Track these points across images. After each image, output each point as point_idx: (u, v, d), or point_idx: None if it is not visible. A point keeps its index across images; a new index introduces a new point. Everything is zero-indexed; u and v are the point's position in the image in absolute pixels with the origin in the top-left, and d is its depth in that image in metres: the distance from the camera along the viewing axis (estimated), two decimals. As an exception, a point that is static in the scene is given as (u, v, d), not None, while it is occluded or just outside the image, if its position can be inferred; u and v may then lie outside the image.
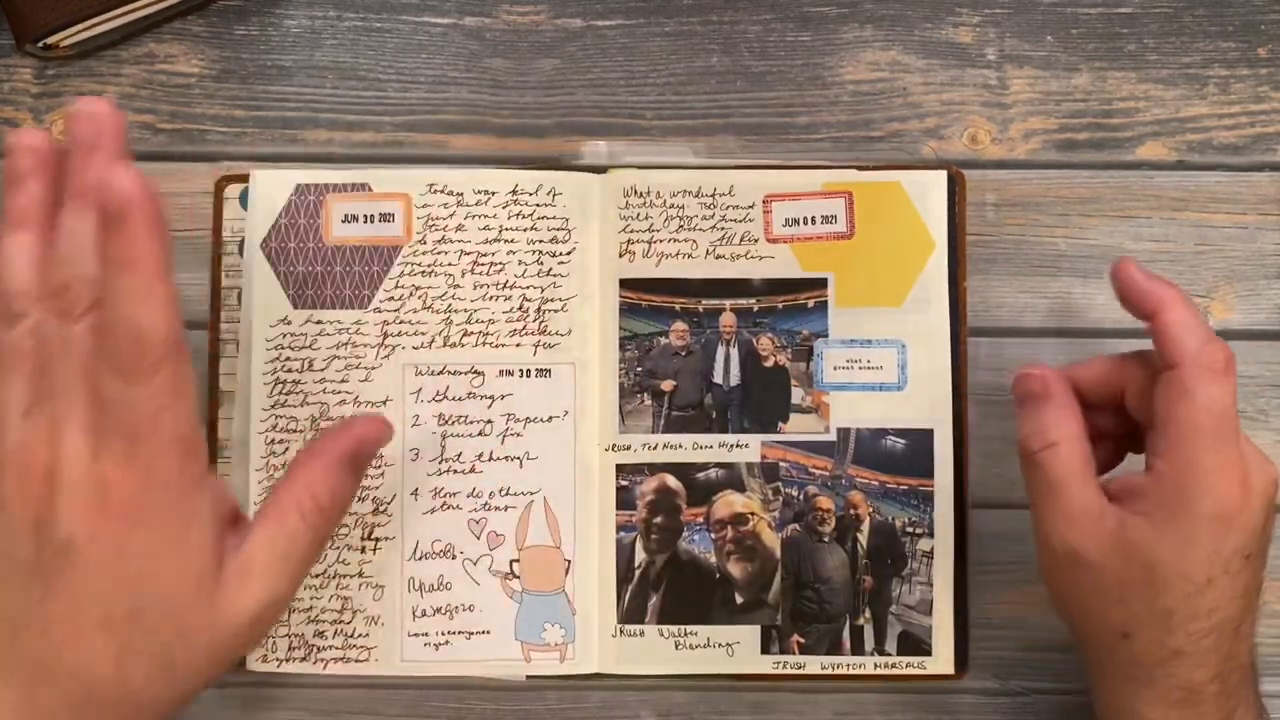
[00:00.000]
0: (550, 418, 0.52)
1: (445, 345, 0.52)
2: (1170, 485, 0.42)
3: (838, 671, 0.51)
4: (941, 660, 0.51)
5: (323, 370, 0.52)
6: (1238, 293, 0.54)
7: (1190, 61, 0.55)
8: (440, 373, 0.52)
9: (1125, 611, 0.42)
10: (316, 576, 0.52)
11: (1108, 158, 0.54)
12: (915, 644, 0.51)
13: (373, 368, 0.52)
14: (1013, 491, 0.53)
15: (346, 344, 0.52)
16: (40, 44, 0.53)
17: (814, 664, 0.51)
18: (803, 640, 0.51)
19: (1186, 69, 0.55)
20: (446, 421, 0.52)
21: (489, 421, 0.52)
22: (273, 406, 0.52)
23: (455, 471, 0.52)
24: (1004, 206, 0.54)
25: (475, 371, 0.52)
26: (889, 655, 0.51)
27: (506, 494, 0.52)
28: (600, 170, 0.53)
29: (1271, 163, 0.54)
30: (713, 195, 0.52)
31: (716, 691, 0.53)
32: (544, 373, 0.52)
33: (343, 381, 0.52)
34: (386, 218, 0.52)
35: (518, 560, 0.52)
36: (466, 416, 0.52)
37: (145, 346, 0.35)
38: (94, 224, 0.36)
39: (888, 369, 0.51)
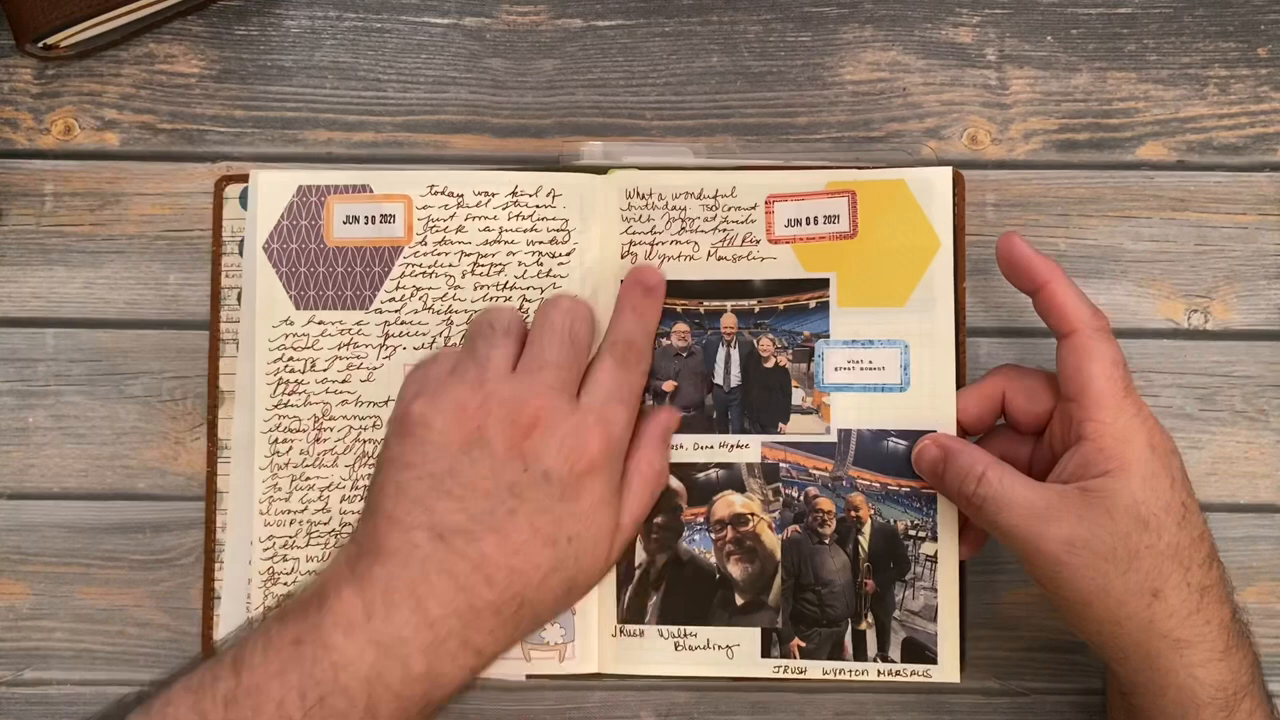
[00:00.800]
0: None
1: (446, 346, 0.52)
2: (1111, 437, 0.44)
3: (840, 678, 0.51)
4: (947, 669, 0.50)
5: (325, 370, 0.52)
6: (1238, 293, 0.54)
7: (1190, 61, 0.55)
8: None
9: (1142, 567, 0.43)
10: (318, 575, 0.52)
11: (1108, 158, 0.54)
12: (920, 651, 0.51)
13: (374, 368, 0.52)
14: (1013, 491, 0.53)
15: (348, 344, 0.52)
16: (40, 44, 0.53)
17: (815, 669, 0.51)
18: (803, 644, 0.51)
19: (1186, 69, 0.55)
20: None
21: None
22: (275, 406, 0.52)
23: None
24: (1004, 206, 0.54)
25: None
26: (893, 662, 0.51)
27: None
28: (600, 171, 0.53)
29: (1271, 163, 0.54)
30: (714, 196, 0.52)
31: (716, 691, 0.53)
32: None
33: (344, 382, 0.52)
34: (387, 219, 0.52)
35: None
36: None
37: (640, 355, 0.49)
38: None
39: (890, 370, 0.51)
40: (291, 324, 0.52)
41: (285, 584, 0.52)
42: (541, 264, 0.52)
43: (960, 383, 0.51)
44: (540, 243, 0.52)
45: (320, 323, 0.52)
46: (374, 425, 0.52)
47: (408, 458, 0.44)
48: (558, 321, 0.47)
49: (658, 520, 0.52)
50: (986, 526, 0.46)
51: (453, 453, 0.44)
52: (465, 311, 0.52)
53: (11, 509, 0.54)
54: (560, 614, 0.47)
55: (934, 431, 0.50)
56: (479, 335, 0.47)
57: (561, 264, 0.52)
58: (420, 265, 0.52)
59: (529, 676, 0.52)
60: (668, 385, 0.52)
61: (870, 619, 0.51)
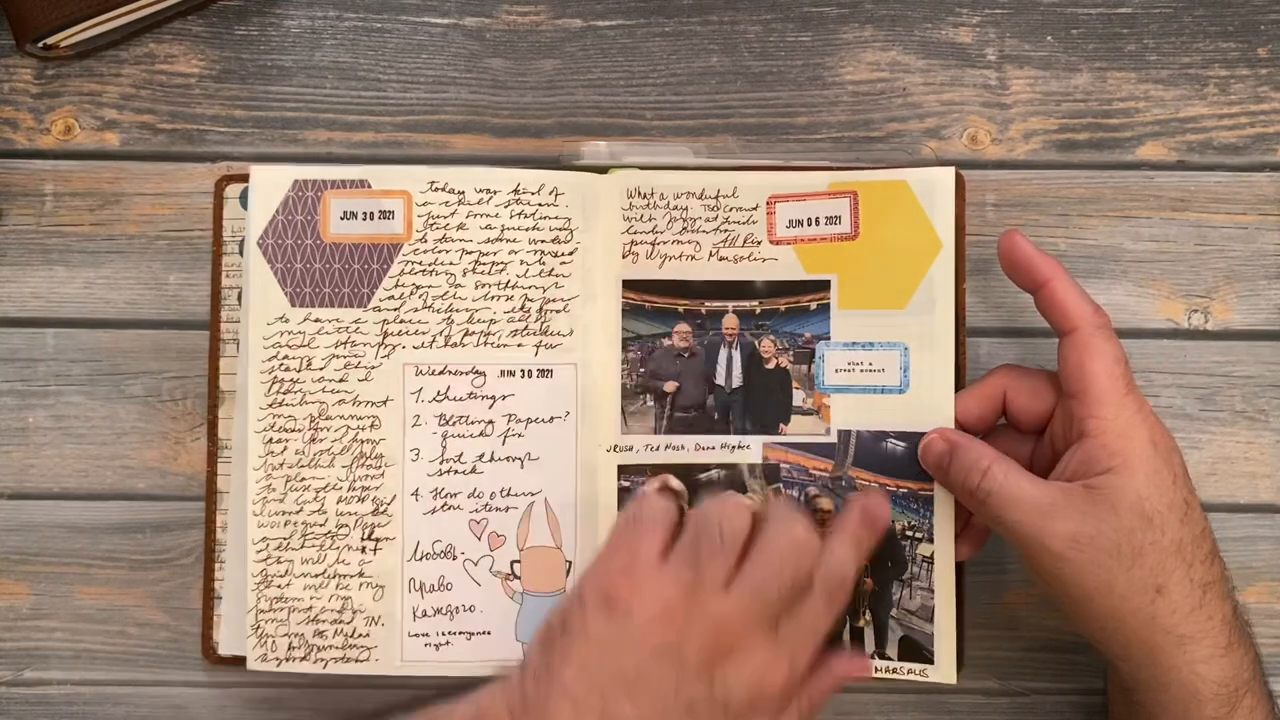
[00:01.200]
0: (551, 418, 0.52)
1: (446, 345, 0.52)
2: (1113, 434, 0.45)
3: None
4: (944, 669, 0.50)
5: (321, 369, 0.52)
6: (1238, 293, 0.54)
7: (1190, 61, 0.55)
8: (441, 373, 0.52)
9: (1146, 563, 0.43)
10: (316, 576, 0.52)
11: (1108, 158, 0.55)
12: (917, 650, 0.51)
13: (373, 367, 0.52)
14: (1013, 491, 0.53)
15: (345, 343, 0.52)
16: (40, 44, 0.53)
17: None
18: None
19: (1186, 69, 0.55)
20: (447, 422, 0.52)
21: (490, 422, 0.52)
22: (270, 405, 0.52)
23: (456, 472, 0.52)
24: (1004, 206, 0.54)
25: (476, 372, 0.52)
26: (890, 660, 0.51)
27: (508, 495, 0.52)
28: (600, 170, 0.53)
29: (1271, 163, 0.54)
30: (716, 197, 0.52)
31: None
32: (546, 373, 0.52)
33: (341, 381, 0.52)
34: (386, 215, 0.52)
35: (519, 561, 0.52)
36: (467, 417, 0.52)
37: (847, 592, 0.46)
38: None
39: (890, 372, 0.51)
40: (287, 321, 0.52)
41: (279, 587, 0.52)
42: (544, 263, 0.52)
43: (960, 384, 0.51)
44: (543, 241, 0.52)
45: (317, 320, 0.52)
46: (372, 426, 0.52)
47: (602, 637, 0.43)
48: (787, 556, 0.44)
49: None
50: (990, 522, 0.47)
51: (646, 651, 0.42)
52: (465, 310, 0.52)
53: (11, 509, 0.54)
54: None
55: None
56: (705, 538, 0.44)
57: (564, 263, 0.52)
58: (420, 263, 0.52)
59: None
60: (669, 386, 0.52)
61: (868, 616, 0.51)
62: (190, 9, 0.55)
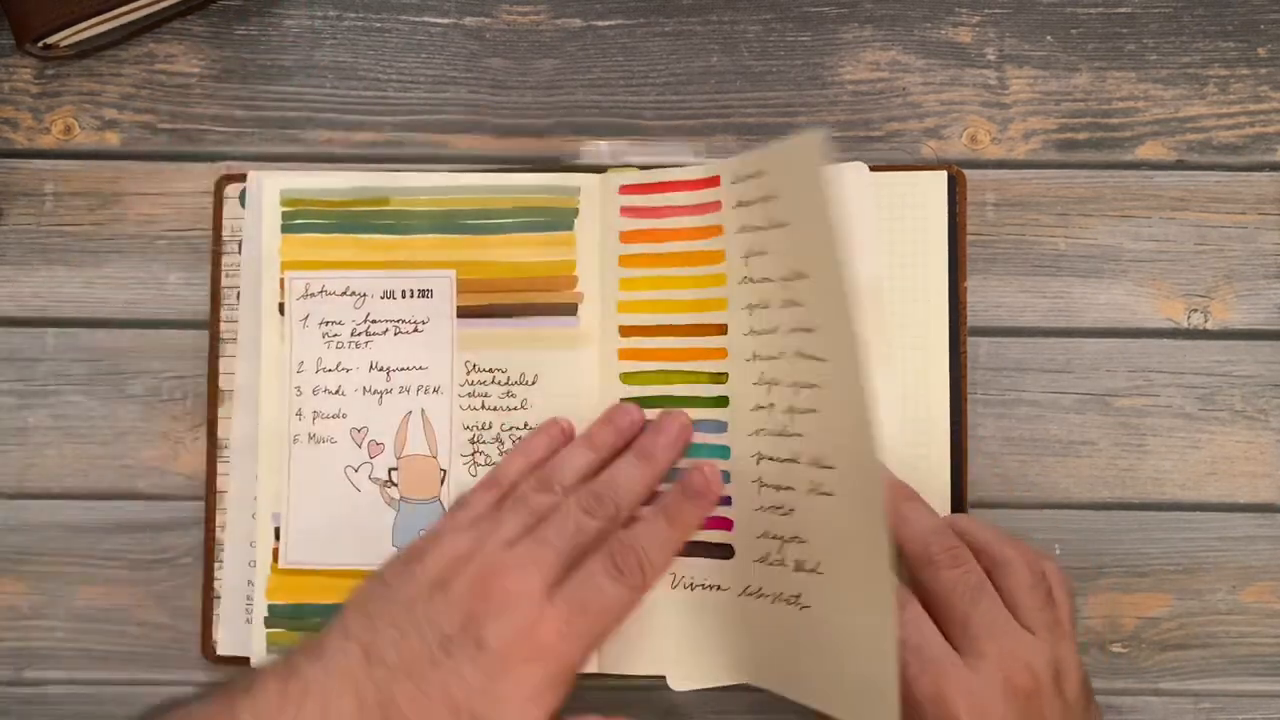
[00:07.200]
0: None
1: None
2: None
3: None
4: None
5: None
6: (1237, 293, 0.54)
7: (1190, 61, 0.55)
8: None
9: None
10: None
11: (1107, 158, 0.54)
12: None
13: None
14: (1012, 492, 0.53)
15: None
16: (40, 44, 0.53)
17: None
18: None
19: (1186, 69, 0.55)
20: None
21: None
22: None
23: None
24: (1004, 206, 0.54)
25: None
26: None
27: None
28: (600, 170, 0.53)
29: (1271, 163, 0.54)
30: (714, 196, 0.52)
31: (717, 691, 0.53)
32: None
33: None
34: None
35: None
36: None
37: (642, 569, 0.46)
38: (650, 479, 0.49)
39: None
40: None
41: None
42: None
43: (960, 383, 0.51)
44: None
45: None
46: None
47: (388, 576, 0.46)
48: (580, 520, 0.46)
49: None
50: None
51: (422, 588, 0.45)
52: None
53: (11, 509, 0.54)
54: None
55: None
56: (512, 500, 0.48)
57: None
58: None
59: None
60: None
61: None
62: (190, 9, 0.55)
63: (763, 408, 0.48)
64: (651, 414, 0.51)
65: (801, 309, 0.45)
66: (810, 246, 0.44)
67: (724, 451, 0.51)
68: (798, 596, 0.46)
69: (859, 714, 0.44)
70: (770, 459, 0.48)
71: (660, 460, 0.50)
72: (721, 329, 0.51)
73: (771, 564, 0.47)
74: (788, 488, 0.47)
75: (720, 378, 0.51)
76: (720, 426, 0.51)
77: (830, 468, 0.44)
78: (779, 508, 0.47)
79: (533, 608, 0.44)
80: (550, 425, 0.51)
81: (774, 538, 0.47)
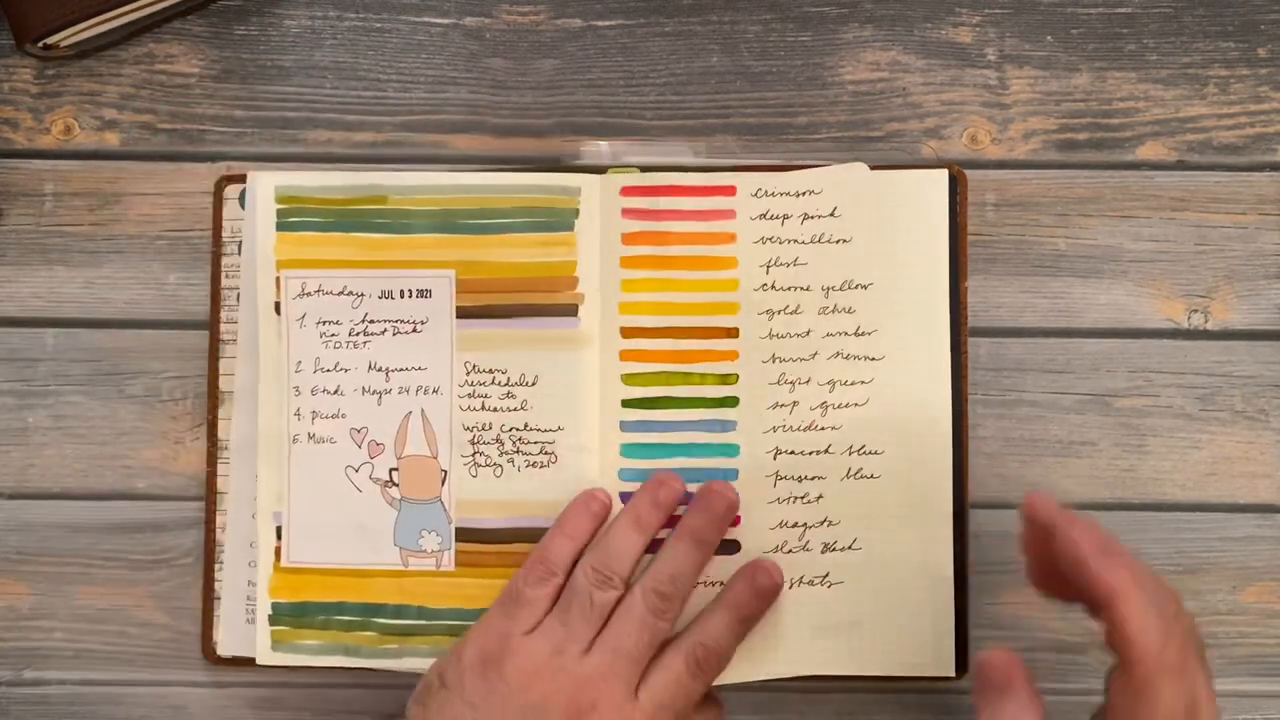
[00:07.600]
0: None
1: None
2: None
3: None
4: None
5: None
6: (1237, 293, 0.54)
7: (1190, 61, 0.55)
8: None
9: None
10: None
11: (1107, 158, 0.54)
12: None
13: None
14: (1013, 491, 0.53)
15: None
16: (40, 44, 0.53)
17: None
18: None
19: (1186, 69, 0.55)
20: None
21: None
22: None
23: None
24: (1004, 206, 0.54)
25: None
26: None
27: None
28: (600, 170, 0.53)
29: (1271, 163, 0.54)
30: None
31: (717, 691, 0.53)
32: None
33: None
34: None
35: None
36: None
37: (719, 665, 0.48)
38: (704, 564, 0.49)
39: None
40: None
41: None
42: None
43: (960, 383, 0.51)
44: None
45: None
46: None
47: (474, 697, 0.46)
48: (646, 618, 0.47)
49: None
50: None
51: (513, 710, 0.45)
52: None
53: (11, 509, 0.54)
54: None
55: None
56: (576, 600, 0.47)
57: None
58: None
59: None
60: None
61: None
62: (190, 9, 0.55)
63: (783, 405, 0.51)
64: (685, 482, 0.51)
65: (853, 315, 0.51)
66: (877, 260, 0.51)
67: (733, 449, 0.51)
68: (825, 576, 0.50)
69: (918, 667, 0.50)
70: (791, 453, 0.51)
71: (713, 543, 0.50)
72: (733, 332, 0.51)
73: (789, 552, 0.50)
74: (816, 477, 0.50)
75: (729, 379, 0.51)
76: (728, 425, 0.51)
77: (878, 453, 0.50)
78: (802, 497, 0.51)
79: (621, 716, 0.45)
80: (589, 500, 0.50)
81: (793, 526, 0.50)
